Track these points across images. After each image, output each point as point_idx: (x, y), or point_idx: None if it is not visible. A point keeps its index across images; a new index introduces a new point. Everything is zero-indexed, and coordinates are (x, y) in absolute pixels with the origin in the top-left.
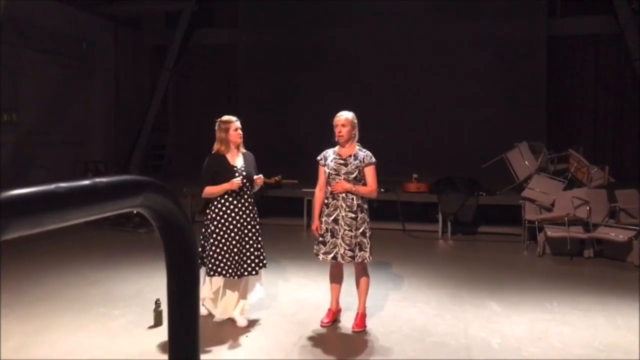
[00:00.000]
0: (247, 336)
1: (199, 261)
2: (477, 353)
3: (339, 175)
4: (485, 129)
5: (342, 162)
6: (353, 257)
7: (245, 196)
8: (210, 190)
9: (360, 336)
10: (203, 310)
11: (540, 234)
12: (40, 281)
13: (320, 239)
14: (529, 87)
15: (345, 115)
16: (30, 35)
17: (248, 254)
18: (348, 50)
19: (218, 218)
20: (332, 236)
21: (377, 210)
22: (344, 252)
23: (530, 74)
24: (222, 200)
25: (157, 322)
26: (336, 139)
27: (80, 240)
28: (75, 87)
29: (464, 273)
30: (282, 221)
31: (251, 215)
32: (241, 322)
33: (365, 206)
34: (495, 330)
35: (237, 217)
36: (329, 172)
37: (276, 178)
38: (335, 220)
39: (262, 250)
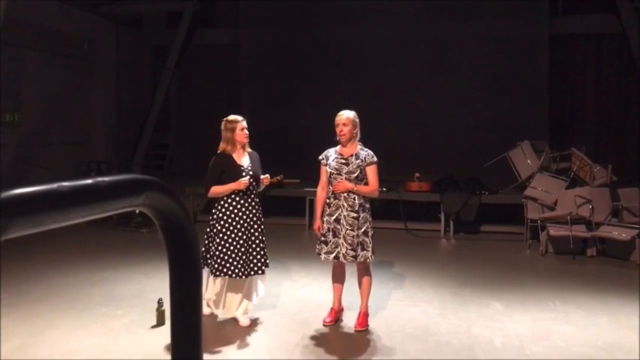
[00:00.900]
0: (249, 335)
1: (202, 261)
2: (480, 352)
3: (341, 175)
4: (487, 127)
5: (343, 161)
6: (355, 257)
7: (252, 196)
8: (216, 190)
9: (362, 335)
10: (206, 310)
11: (542, 233)
12: (42, 281)
13: (322, 238)
14: (531, 85)
15: (346, 115)
16: (32, 36)
17: (254, 253)
18: (349, 50)
19: (225, 218)
20: (334, 236)
21: (379, 209)
22: (346, 252)
23: (532, 73)
24: (229, 200)
25: (160, 322)
26: (337, 138)
27: (82, 240)
28: (76, 87)
29: (466, 272)
30: (284, 221)
31: (257, 214)
32: (244, 321)
33: (367, 205)
34: (498, 329)
35: (244, 217)
36: (331, 172)
37: (278, 177)
38: (337, 220)
39: (266, 249)
